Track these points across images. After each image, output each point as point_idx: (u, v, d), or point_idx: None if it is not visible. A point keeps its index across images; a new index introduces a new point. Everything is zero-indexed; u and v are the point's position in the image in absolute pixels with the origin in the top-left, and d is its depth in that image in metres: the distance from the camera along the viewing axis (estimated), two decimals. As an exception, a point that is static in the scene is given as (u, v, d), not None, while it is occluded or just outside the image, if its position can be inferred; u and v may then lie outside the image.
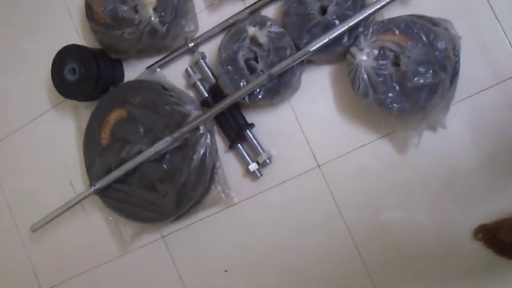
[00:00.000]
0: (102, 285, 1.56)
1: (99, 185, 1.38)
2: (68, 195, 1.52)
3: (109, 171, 1.38)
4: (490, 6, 1.15)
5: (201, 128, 1.29)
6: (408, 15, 1.16)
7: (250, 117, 1.35)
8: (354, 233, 1.28)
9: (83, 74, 1.38)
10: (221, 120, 1.35)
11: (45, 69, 1.47)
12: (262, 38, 1.23)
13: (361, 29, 1.17)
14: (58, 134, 1.59)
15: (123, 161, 1.36)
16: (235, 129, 1.34)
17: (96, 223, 1.54)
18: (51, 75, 1.42)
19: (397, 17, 1.16)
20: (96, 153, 1.41)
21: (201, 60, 1.36)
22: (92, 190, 1.38)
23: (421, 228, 1.23)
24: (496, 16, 1.15)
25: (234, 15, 1.33)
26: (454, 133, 1.18)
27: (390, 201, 1.25)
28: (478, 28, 1.16)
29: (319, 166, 1.30)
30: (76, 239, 1.58)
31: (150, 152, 1.31)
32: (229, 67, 1.27)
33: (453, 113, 1.17)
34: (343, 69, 1.23)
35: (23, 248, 1.65)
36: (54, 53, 1.43)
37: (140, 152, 1.33)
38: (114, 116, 1.38)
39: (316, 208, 1.32)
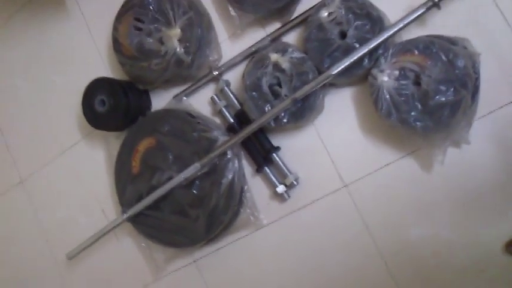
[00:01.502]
0: (137, 310, 1.60)
1: (131, 212, 1.42)
2: (100, 223, 1.56)
3: (140, 198, 1.41)
4: (507, 22, 1.17)
5: (229, 153, 1.33)
6: (426, 35, 1.19)
7: (275, 140, 1.38)
8: (383, 251, 1.29)
9: (112, 105, 1.43)
10: (248, 144, 1.38)
11: (75, 102, 1.52)
12: (285, 64, 1.27)
13: (381, 51, 1.20)
14: (89, 164, 1.64)
15: (154, 188, 1.39)
16: (261, 153, 1.37)
17: (128, 249, 1.57)
18: (82, 107, 1.47)
19: (416, 38, 1.19)
20: (127, 181, 1.45)
21: (226, 88, 1.40)
22: (124, 217, 1.42)
23: (450, 244, 1.24)
24: (513, 32, 1.18)
25: (256, 43, 1.37)
26: (478, 148, 1.20)
27: (418, 218, 1.26)
28: (496, 44, 1.18)
29: (345, 186, 1.32)
30: (110, 265, 1.61)
31: (180, 178, 1.34)
32: (254, 93, 1.30)
33: (476, 128, 1.18)
34: (364, 91, 1.26)
35: (59, 276, 1.70)
36: (83, 86, 1.48)
37: (170, 178, 1.37)
38: (144, 144, 1.42)
39: (345, 227, 1.34)
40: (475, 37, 1.17)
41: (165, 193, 1.37)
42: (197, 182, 1.36)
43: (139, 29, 1.41)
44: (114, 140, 1.55)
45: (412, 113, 1.15)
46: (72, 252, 1.50)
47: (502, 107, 1.18)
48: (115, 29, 1.45)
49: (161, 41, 1.38)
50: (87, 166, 1.65)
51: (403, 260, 1.28)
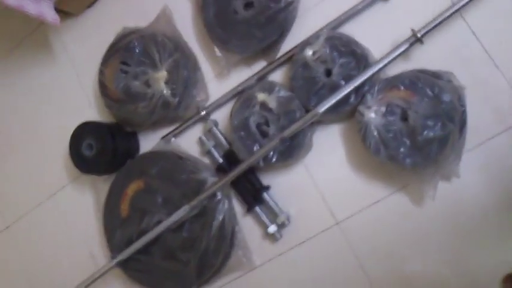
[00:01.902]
0: None
1: (120, 257, 1.38)
2: (89, 268, 1.52)
3: (130, 242, 1.39)
4: (489, 55, 1.19)
5: (218, 194, 1.31)
6: (411, 70, 1.20)
7: (265, 179, 1.37)
8: (378, 288, 1.28)
9: (99, 150, 1.42)
10: (237, 184, 1.36)
11: (63, 146, 1.51)
12: (272, 103, 1.27)
13: (367, 88, 1.20)
14: (77, 208, 1.61)
15: (144, 232, 1.36)
16: (251, 192, 1.36)
17: (118, 296, 1.54)
18: (69, 152, 1.46)
19: (401, 73, 1.20)
20: (117, 225, 1.43)
21: (214, 128, 1.40)
22: (114, 263, 1.39)
23: (444, 279, 1.22)
24: (495, 63, 1.18)
25: (243, 82, 1.37)
26: (468, 181, 1.19)
27: (411, 253, 1.25)
28: (480, 77, 1.19)
29: (337, 223, 1.31)
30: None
31: (170, 221, 1.32)
32: (242, 133, 1.30)
33: (465, 161, 1.18)
34: (352, 127, 1.26)
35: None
36: (71, 129, 1.47)
37: (160, 222, 1.35)
38: (132, 187, 1.41)
39: (338, 265, 1.31)
40: (459, 70, 1.18)
41: (155, 237, 1.35)
42: (187, 224, 1.34)
43: (126, 72, 1.41)
44: (103, 184, 1.53)
45: (401, 149, 1.15)
46: (62, 301, 1.47)
47: (489, 138, 1.18)
48: (101, 73, 1.45)
49: (147, 84, 1.38)
50: (75, 210, 1.62)
51: (398, 297, 1.26)
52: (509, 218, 1.17)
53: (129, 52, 1.40)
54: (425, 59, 1.23)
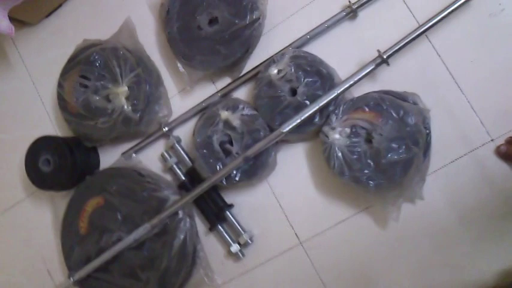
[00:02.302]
0: None
1: (78, 275, 1.34)
2: (47, 286, 1.49)
3: (88, 260, 1.34)
4: (453, 78, 1.19)
5: (180, 212, 1.28)
6: (376, 91, 1.19)
7: (229, 197, 1.34)
8: (342, 309, 1.27)
9: (57, 165, 1.36)
10: (200, 203, 1.34)
11: (19, 158, 1.45)
12: (236, 122, 1.25)
13: (331, 108, 1.19)
14: (34, 224, 1.55)
15: (103, 250, 1.32)
16: (214, 211, 1.33)
17: (77, 314, 1.49)
18: (25, 167, 1.40)
19: (366, 94, 1.19)
20: (75, 242, 1.38)
21: (177, 144, 1.36)
22: (71, 281, 1.34)
23: (408, 300, 1.22)
24: (459, 87, 1.18)
25: (207, 98, 1.34)
26: (432, 203, 1.19)
27: (374, 273, 1.24)
28: (444, 100, 1.19)
29: (301, 243, 1.29)
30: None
31: (129, 239, 1.28)
32: (205, 151, 1.27)
33: (430, 183, 1.18)
34: (317, 147, 1.24)
35: None
36: (28, 142, 1.41)
37: (119, 239, 1.31)
38: (91, 204, 1.36)
39: (301, 285, 1.30)
40: (425, 92, 1.18)
41: (114, 255, 1.31)
42: (148, 242, 1.30)
43: (85, 86, 1.36)
44: (61, 199, 1.47)
45: (365, 171, 1.13)
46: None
47: (453, 161, 1.19)
48: (60, 86, 1.40)
49: (108, 99, 1.34)
50: (32, 226, 1.56)
51: (362, 319, 1.25)
52: (472, 237, 1.17)
53: (89, 65, 1.36)
54: (391, 80, 1.22)
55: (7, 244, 1.60)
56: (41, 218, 1.54)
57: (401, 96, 1.17)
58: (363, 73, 1.17)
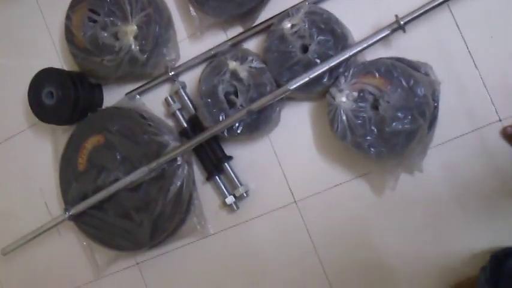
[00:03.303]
0: (75, 309, 1.55)
1: (74, 210, 1.36)
2: (42, 217, 1.51)
3: (85, 197, 1.36)
4: (470, 53, 1.15)
5: (179, 159, 1.28)
6: (389, 58, 1.16)
7: (228, 149, 1.34)
8: (328, 270, 1.28)
9: (60, 98, 1.36)
10: (199, 151, 1.33)
11: (23, 88, 1.43)
12: (243, 73, 1.22)
13: (341, 70, 1.16)
14: (34, 155, 1.56)
15: (99, 188, 1.34)
16: (213, 161, 1.33)
17: (70, 247, 1.52)
18: (28, 98, 1.39)
19: (378, 59, 1.16)
20: (73, 178, 1.39)
21: (181, 90, 1.35)
22: (67, 216, 1.36)
23: (394, 268, 1.23)
24: (474, 62, 1.15)
25: (216, 46, 1.31)
26: (430, 176, 1.19)
27: (364, 240, 1.25)
28: (457, 73, 1.17)
29: (295, 202, 1.30)
30: (50, 261, 1.56)
31: (127, 181, 1.29)
32: (209, 100, 1.26)
33: (430, 156, 1.17)
34: (322, 108, 1.23)
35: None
36: (33, 73, 1.40)
37: (116, 180, 1.32)
38: (92, 141, 1.36)
39: (291, 244, 1.32)
40: (438, 64, 1.15)
41: (111, 195, 1.32)
42: (144, 186, 1.32)
43: (94, 21, 1.34)
44: (62, 133, 1.48)
45: (367, 138, 1.12)
46: (8, 248, 1.44)
47: (457, 137, 1.17)
48: (68, 18, 1.37)
49: (116, 36, 1.31)
50: (32, 157, 1.57)
51: (347, 281, 1.27)
52: (465, 215, 1.17)
53: (99, 0, 1.32)
54: (405, 47, 1.19)
55: (7, 173, 1.62)
56: (41, 150, 1.55)
57: (414, 66, 1.15)
58: (378, 37, 1.14)
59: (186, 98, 1.35)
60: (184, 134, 1.35)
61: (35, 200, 1.56)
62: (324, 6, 1.23)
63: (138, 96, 1.40)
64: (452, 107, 1.16)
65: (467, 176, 1.17)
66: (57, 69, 1.40)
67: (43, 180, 1.55)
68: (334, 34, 1.17)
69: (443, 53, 1.17)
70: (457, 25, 1.16)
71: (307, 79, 1.16)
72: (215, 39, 1.34)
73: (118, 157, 1.34)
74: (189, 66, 1.35)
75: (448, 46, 1.17)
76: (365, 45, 1.14)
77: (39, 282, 1.58)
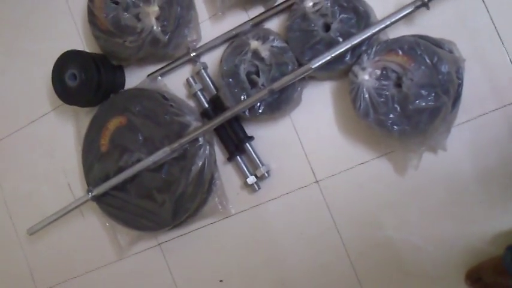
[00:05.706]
0: (98, 288, 1.57)
1: (96, 191, 1.38)
2: (66, 198, 1.54)
3: (107, 177, 1.38)
4: (496, 29, 1.14)
5: (200, 139, 1.29)
6: (412, 35, 1.15)
7: (250, 129, 1.34)
8: (350, 250, 1.28)
9: (83, 80, 1.37)
10: (221, 132, 1.34)
11: (47, 71, 1.45)
12: (265, 53, 1.22)
13: (364, 48, 1.16)
14: (57, 137, 1.59)
15: (122, 169, 1.35)
16: (234, 141, 1.33)
17: (93, 228, 1.54)
18: (52, 80, 1.41)
19: (401, 37, 1.15)
20: (95, 159, 1.41)
21: (203, 71, 1.35)
22: (90, 196, 1.38)
23: (416, 248, 1.23)
24: (501, 39, 1.13)
25: (237, 26, 1.31)
26: (454, 155, 1.18)
27: (387, 219, 1.25)
28: (482, 51, 1.15)
29: (317, 182, 1.30)
30: (73, 242, 1.58)
31: (149, 161, 1.30)
32: (231, 80, 1.26)
33: (454, 135, 1.16)
34: (344, 86, 1.22)
35: (21, 249, 1.67)
36: (56, 55, 1.41)
37: (139, 160, 1.33)
38: (114, 123, 1.38)
39: (313, 223, 1.32)
40: (462, 41, 1.14)
41: (133, 175, 1.33)
42: (166, 166, 1.33)
43: (116, 3, 1.34)
44: (85, 115, 1.49)
45: (390, 116, 1.11)
46: (34, 228, 1.46)
47: (482, 115, 1.16)
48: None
49: (138, 18, 1.32)
50: (56, 139, 1.59)
51: (368, 260, 1.28)
52: (488, 195, 1.16)
53: (121, -19, 1.33)
54: (429, 25, 1.18)
55: (32, 155, 1.64)
56: (64, 132, 1.57)
57: (437, 43, 1.13)
58: (401, 15, 1.12)
59: (207, 78, 1.35)
60: (205, 115, 1.35)
61: (58, 181, 1.59)
62: (346, -16, 1.22)
63: (159, 78, 1.41)
64: (477, 85, 1.15)
65: (492, 155, 1.15)
66: (79, 51, 1.41)
67: (66, 161, 1.57)
68: (356, 12, 1.17)
69: (468, 30, 1.16)
70: (484, 1, 1.14)
71: (329, 58, 1.15)
72: (236, 19, 1.33)
73: (140, 138, 1.34)
74: (211, 46, 1.36)
75: (473, 23, 1.16)
76: (388, 22, 1.13)
77: (64, 263, 1.61)
